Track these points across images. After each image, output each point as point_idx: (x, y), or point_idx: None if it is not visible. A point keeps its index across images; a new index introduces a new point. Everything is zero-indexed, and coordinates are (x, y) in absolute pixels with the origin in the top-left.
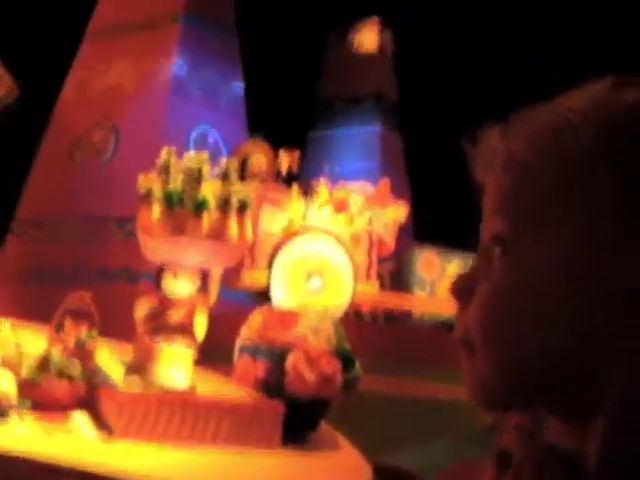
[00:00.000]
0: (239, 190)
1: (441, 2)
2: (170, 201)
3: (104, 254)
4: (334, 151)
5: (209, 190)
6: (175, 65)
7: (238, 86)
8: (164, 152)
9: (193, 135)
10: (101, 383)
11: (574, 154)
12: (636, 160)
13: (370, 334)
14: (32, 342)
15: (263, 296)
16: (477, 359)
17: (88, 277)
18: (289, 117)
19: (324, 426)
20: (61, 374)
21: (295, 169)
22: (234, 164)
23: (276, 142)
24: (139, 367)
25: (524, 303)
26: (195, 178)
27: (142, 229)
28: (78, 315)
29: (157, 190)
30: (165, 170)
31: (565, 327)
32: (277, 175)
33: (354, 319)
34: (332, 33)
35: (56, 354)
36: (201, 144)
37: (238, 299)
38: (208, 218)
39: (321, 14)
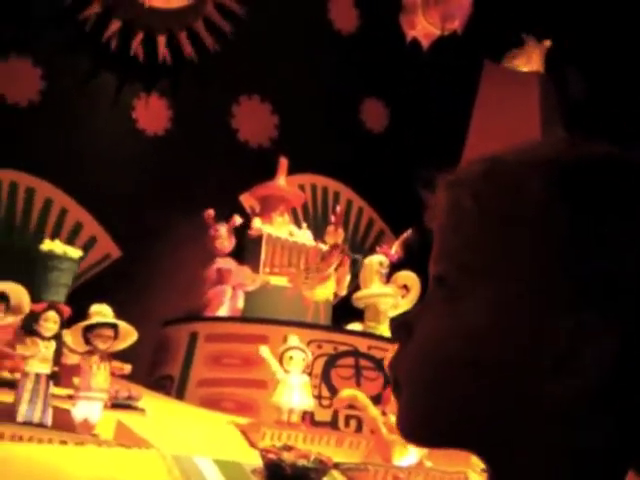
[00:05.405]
0: None
1: None
2: None
3: None
4: None
5: None
6: None
7: None
8: None
9: None
10: None
11: (519, 209)
12: (591, 211)
13: None
14: None
15: None
16: (402, 397)
17: None
18: None
19: None
20: None
21: None
22: None
23: None
24: None
25: (456, 349)
26: None
27: None
28: None
29: None
30: None
31: (493, 375)
32: None
33: None
34: None
35: None
36: None
37: None
38: None
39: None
